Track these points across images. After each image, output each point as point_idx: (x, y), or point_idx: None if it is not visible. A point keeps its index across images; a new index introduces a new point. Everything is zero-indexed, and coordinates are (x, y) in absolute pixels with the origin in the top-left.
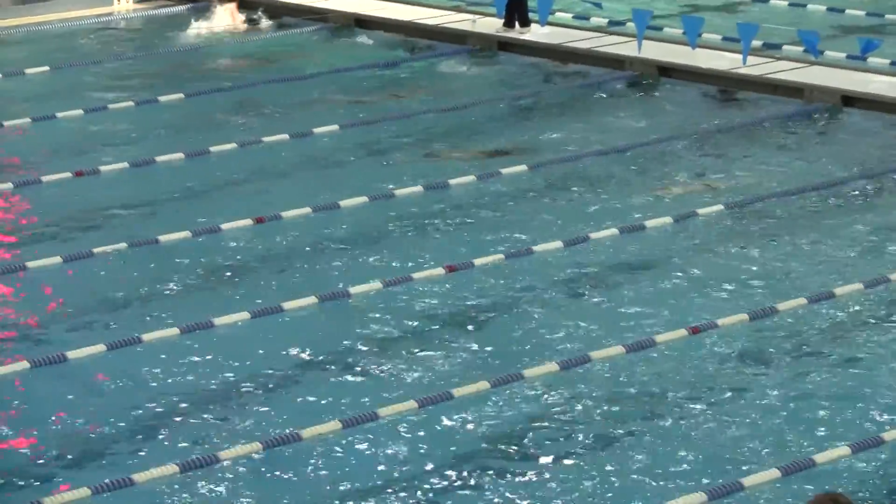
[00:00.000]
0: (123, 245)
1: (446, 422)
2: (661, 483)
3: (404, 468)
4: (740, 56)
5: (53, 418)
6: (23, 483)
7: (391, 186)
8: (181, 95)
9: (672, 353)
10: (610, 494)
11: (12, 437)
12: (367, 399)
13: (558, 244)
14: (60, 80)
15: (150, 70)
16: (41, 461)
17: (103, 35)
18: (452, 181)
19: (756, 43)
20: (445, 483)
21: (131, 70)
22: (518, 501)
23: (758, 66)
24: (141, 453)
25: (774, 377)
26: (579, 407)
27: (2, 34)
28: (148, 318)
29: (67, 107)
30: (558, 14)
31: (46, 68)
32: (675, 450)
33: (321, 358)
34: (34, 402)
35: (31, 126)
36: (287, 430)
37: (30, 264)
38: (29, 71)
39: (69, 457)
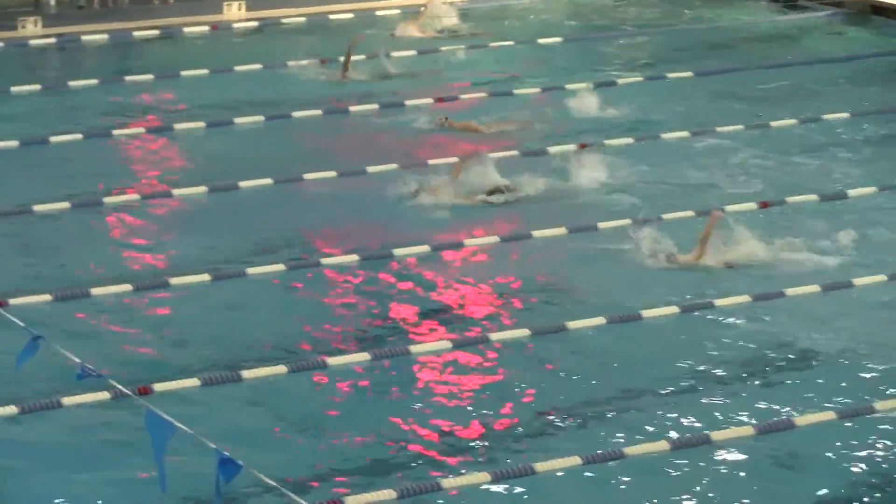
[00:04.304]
0: (562, 230)
1: None
2: None
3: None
4: None
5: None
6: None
7: None
8: (690, 73)
9: None
10: None
11: (438, 416)
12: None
13: None
14: (573, 52)
15: (660, 46)
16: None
17: (616, 8)
18: None
19: None
20: None
21: (642, 45)
22: None
23: None
24: (631, 428)
25: None
26: None
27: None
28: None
29: (578, 79)
30: None
31: (559, 39)
32: None
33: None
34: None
35: (541, 95)
36: (782, 417)
37: (467, 241)
38: (542, 40)
39: (546, 426)
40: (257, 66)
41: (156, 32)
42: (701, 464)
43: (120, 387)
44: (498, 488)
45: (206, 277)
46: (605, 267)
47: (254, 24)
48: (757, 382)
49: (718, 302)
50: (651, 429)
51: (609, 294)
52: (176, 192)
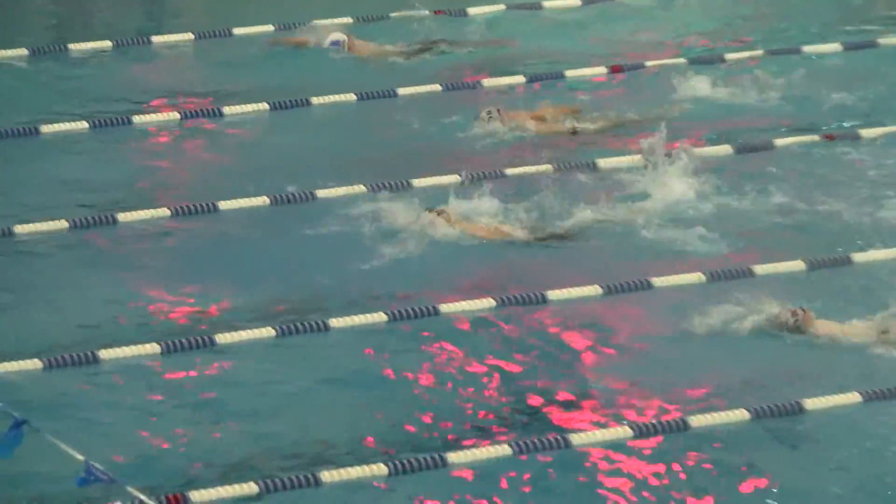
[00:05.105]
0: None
1: None
2: None
3: None
4: None
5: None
6: None
7: None
8: None
9: None
10: None
11: None
12: None
13: None
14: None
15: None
16: None
17: None
18: None
19: None
20: None
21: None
22: None
23: None
24: None
25: None
26: None
27: None
28: None
29: (818, 38)
30: None
31: None
32: None
33: None
34: None
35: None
36: None
37: (657, 281)
38: None
39: None
40: (347, 20)
41: None
42: None
43: (141, 496)
44: None
45: (269, 332)
46: (856, 313)
47: None
48: None
49: None
50: None
51: (860, 356)
52: (224, 205)
